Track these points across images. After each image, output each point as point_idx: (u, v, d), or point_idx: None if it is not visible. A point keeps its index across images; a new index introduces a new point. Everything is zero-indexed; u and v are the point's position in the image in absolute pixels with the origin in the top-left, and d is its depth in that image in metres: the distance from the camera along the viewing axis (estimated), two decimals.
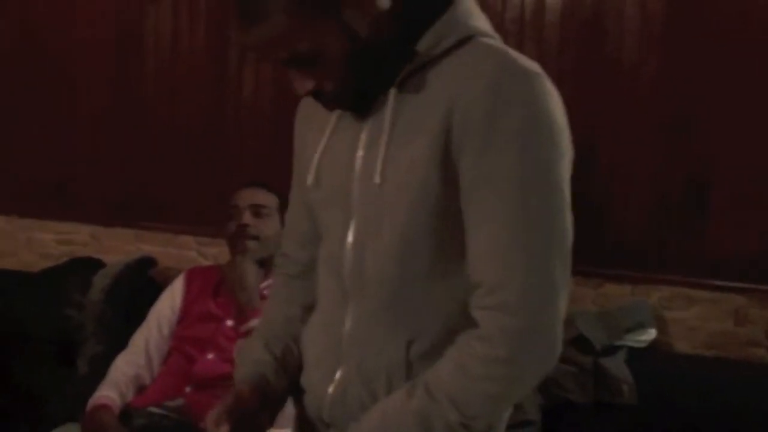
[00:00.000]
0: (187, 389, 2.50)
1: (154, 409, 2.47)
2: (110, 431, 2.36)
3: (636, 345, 2.62)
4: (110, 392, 2.52)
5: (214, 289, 2.68)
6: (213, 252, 3.11)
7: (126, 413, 2.48)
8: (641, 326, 2.64)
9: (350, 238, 1.34)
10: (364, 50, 1.25)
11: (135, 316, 2.75)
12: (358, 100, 1.31)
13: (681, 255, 2.73)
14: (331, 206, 1.38)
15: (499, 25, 2.68)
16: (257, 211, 2.63)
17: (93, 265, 3.04)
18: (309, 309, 1.51)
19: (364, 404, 1.33)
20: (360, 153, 1.32)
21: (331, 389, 1.37)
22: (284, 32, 1.21)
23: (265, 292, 2.61)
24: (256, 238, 2.60)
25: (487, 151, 1.20)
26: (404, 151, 1.26)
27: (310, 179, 1.40)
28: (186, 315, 2.67)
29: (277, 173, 2.85)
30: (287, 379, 1.47)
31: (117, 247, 3.19)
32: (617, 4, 2.71)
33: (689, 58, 2.68)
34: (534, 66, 1.25)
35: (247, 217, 2.62)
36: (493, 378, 1.22)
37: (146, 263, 3.03)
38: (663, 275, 2.74)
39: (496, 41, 1.31)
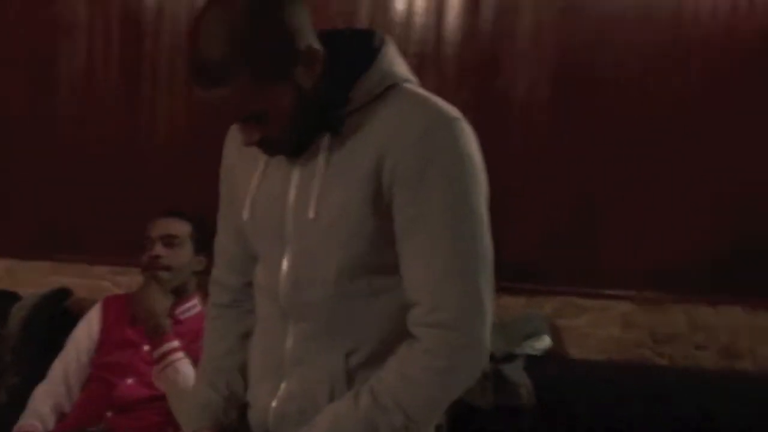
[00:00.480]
0: (109, 414, 2.58)
1: None
2: None
3: (533, 352, 2.80)
4: (33, 420, 2.58)
5: (131, 317, 2.76)
6: (126, 281, 3.16)
7: None
8: (536, 334, 2.82)
9: (285, 267, 1.47)
10: (308, 104, 1.38)
11: (52, 346, 2.81)
12: (297, 147, 1.44)
13: (571, 268, 2.95)
14: (265, 237, 1.51)
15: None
16: (169, 241, 2.75)
17: (8, 297, 3.07)
18: (244, 336, 1.64)
19: (306, 413, 1.46)
20: (293, 190, 1.45)
21: (274, 403, 1.50)
22: (244, 95, 1.32)
23: (180, 317, 2.72)
24: (167, 268, 2.72)
25: (419, 193, 1.36)
26: (337, 190, 1.40)
27: (245, 215, 1.51)
28: (104, 342, 2.74)
29: (190, 200, 2.99)
30: (236, 410, 1.60)
31: (33, 280, 3.20)
32: (510, 41, 2.92)
33: (577, 90, 2.91)
34: (453, 112, 1.41)
35: (159, 249, 2.73)
36: (435, 384, 1.39)
37: (62, 294, 3.08)
38: (555, 287, 2.94)
39: (415, 85, 1.47)
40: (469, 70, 2.96)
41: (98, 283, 3.18)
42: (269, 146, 1.44)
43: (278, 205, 1.47)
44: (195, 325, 2.72)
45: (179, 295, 2.74)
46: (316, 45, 1.38)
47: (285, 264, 1.47)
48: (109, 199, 3.19)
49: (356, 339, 1.45)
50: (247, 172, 1.54)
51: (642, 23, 2.85)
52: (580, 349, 2.95)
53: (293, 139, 1.42)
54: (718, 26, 2.83)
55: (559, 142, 2.93)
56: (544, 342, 2.83)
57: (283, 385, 1.50)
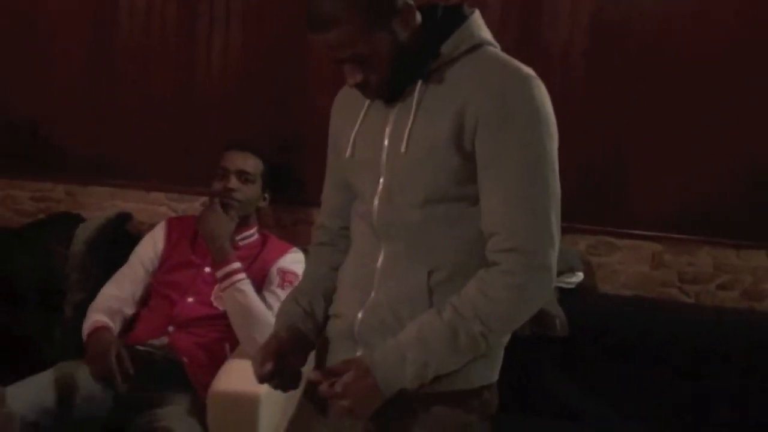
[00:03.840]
0: (170, 329, 2.76)
1: (140, 347, 2.72)
2: (113, 348, 2.57)
3: (566, 286, 2.96)
4: (102, 317, 2.75)
5: (192, 238, 2.93)
6: (183, 207, 3.35)
7: None
8: (571, 270, 2.98)
9: (378, 192, 1.67)
10: (404, 53, 1.59)
11: (114, 266, 2.96)
12: (394, 91, 1.64)
13: (606, 208, 3.10)
14: (363, 171, 1.71)
15: None
16: (243, 177, 2.91)
17: (72, 219, 3.26)
18: (333, 269, 1.84)
19: (389, 325, 1.65)
20: (389, 129, 1.66)
21: (360, 314, 1.69)
22: (350, 38, 1.55)
23: (239, 243, 2.90)
24: (239, 201, 2.88)
25: (498, 136, 1.55)
26: (426, 129, 1.60)
27: (348, 152, 1.73)
28: (166, 261, 2.91)
29: (242, 133, 3.15)
30: (314, 325, 1.80)
31: (93, 203, 3.40)
32: None
33: (612, 43, 3.03)
34: (529, 71, 1.60)
35: (234, 182, 2.89)
36: (511, 299, 1.57)
37: (124, 217, 3.26)
38: (589, 225, 3.09)
39: (497, 49, 1.67)
40: (511, 18, 3.08)
41: (156, 208, 3.36)
42: (368, 89, 1.64)
43: (376, 142, 1.68)
44: (251, 251, 2.91)
45: (241, 223, 2.91)
46: (411, 2, 1.60)
47: (379, 190, 1.67)
48: (167, 131, 3.35)
49: (437, 259, 1.63)
50: (350, 122, 1.74)
51: None
52: (611, 284, 3.12)
53: (389, 84, 1.62)
54: None
55: (595, 88, 3.05)
56: (578, 277, 2.99)
57: (372, 295, 1.69)
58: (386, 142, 1.66)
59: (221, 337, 2.77)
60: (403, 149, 1.62)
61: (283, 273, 2.82)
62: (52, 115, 3.42)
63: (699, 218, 3.05)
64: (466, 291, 1.60)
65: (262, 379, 1.72)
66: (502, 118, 1.55)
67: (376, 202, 1.68)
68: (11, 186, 3.49)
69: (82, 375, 2.59)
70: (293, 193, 3.20)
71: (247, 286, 2.70)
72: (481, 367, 1.69)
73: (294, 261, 2.87)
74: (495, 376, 1.73)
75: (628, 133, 3.06)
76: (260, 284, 2.80)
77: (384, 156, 1.66)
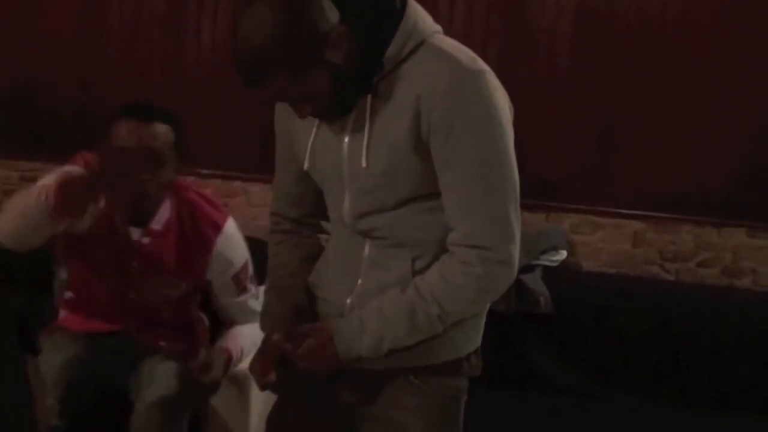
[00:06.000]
0: (128, 325, 2.38)
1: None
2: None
3: (550, 264, 3.02)
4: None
5: None
6: None
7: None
8: (554, 248, 3.05)
9: (346, 204, 1.68)
10: (346, 75, 1.56)
11: None
12: (347, 108, 1.62)
13: (589, 188, 3.15)
14: (327, 182, 1.72)
15: None
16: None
17: None
18: (303, 260, 1.85)
19: None
20: (345, 142, 1.64)
21: (349, 300, 1.71)
22: (286, 85, 1.53)
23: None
24: None
25: (450, 138, 1.55)
26: (384, 141, 1.60)
27: (306, 165, 1.71)
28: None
29: (229, 120, 3.17)
30: (302, 317, 1.79)
31: None
32: None
33: (598, 25, 3.06)
34: (478, 65, 1.57)
35: None
36: (468, 286, 1.60)
37: None
38: (573, 205, 3.15)
39: (440, 37, 1.62)
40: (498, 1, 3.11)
41: None
42: (321, 115, 1.63)
43: (334, 156, 1.67)
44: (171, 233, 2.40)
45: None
46: (340, 24, 1.53)
47: (346, 201, 1.69)
48: None
49: (420, 247, 1.66)
50: (304, 130, 1.72)
51: None
52: (593, 262, 3.17)
53: (340, 105, 1.61)
54: None
55: (581, 68, 3.09)
56: (561, 255, 3.05)
57: (359, 283, 1.71)
58: (345, 155, 1.66)
59: (194, 319, 2.47)
60: (364, 164, 1.62)
61: (237, 279, 2.42)
62: (42, 95, 3.41)
63: (680, 197, 3.10)
64: (429, 274, 1.64)
65: (265, 389, 1.75)
66: (451, 118, 1.54)
67: (345, 211, 1.70)
68: (1, 165, 3.48)
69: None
70: None
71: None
72: (467, 336, 1.73)
73: (232, 246, 2.40)
74: (479, 340, 1.77)
75: (612, 114, 3.10)
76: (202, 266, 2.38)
77: (345, 168, 1.66)
